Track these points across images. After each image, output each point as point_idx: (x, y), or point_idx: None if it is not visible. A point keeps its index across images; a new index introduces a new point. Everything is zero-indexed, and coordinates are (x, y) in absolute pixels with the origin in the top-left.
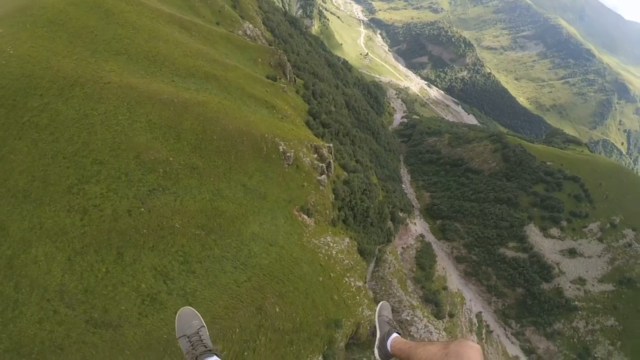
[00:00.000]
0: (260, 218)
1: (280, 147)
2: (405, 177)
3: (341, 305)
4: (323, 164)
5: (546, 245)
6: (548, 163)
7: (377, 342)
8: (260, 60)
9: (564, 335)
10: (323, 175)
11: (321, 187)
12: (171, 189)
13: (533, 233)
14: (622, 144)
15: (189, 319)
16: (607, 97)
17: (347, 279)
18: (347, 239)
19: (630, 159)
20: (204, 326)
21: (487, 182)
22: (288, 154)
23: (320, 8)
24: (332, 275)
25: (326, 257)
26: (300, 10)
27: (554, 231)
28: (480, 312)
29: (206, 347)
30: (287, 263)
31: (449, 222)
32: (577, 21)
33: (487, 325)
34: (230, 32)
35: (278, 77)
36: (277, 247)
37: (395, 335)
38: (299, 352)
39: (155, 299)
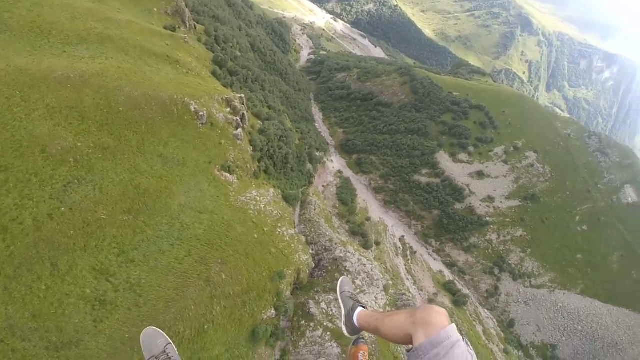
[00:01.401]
0: (184, 187)
1: (192, 107)
2: (318, 115)
3: (280, 256)
4: (237, 117)
5: (456, 169)
6: (455, 93)
7: (343, 319)
8: (155, 9)
9: (479, 248)
10: (239, 129)
11: (238, 142)
12: (87, 177)
13: (443, 159)
14: (524, 73)
15: (154, 339)
16: (511, 30)
17: (279, 230)
18: (271, 190)
19: (532, 87)
20: (170, 343)
21: (398, 114)
22: (201, 113)
23: None
24: (265, 229)
25: (256, 213)
26: None
27: (463, 156)
28: (403, 236)
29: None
30: (221, 228)
31: (364, 155)
32: None
33: (411, 247)
34: None
35: (177, 26)
36: (207, 214)
37: (360, 309)
38: (253, 311)
39: (104, 300)
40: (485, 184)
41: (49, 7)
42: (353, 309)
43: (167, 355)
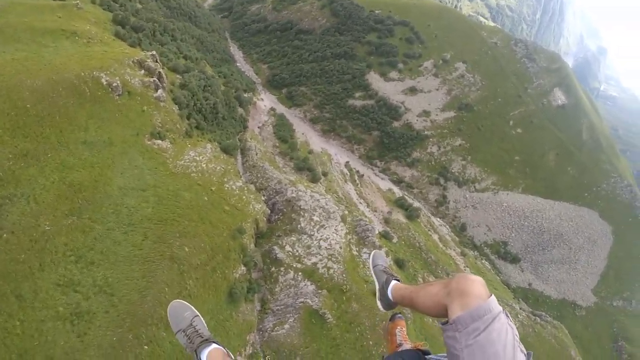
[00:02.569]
0: (118, 168)
1: (103, 81)
2: (238, 54)
3: (234, 212)
4: (154, 78)
5: (389, 88)
6: (377, 11)
7: (377, 294)
8: None
9: (422, 161)
10: (159, 91)
11: (162, 104)
12: (16, 192)
13: (375, 80)
14: None
15: (181, 312)
16: None
17: (227, 185)
18: (208, 146)
19: None
20: (197, 315)
21: (321, 40)
22: (114, 85)
23: None
24: (213, 189)
25: (199, 174)
26: None
27: (393, 74)
28: (348, 162)
29: (202, 337)
30: (169, 200)
31: (294, 88)
32: None
33: (357, 171)
34: None
35: None
36: (151, 189)
37: (394, 282)
38: (224, 273)
39: (80, 312)
40: (419, 99)
41: None
42: (387, 283)
43: (195, 328)
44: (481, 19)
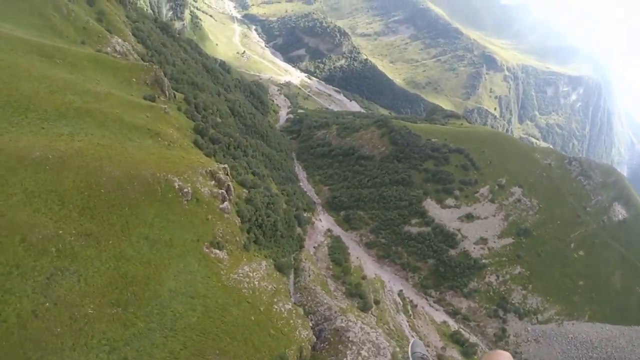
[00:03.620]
0: (173, 270)
1: (176, 184)
2: (301, 174)
3: (279, 337)
4: (222, 190)
5: (445, 215)
6: (433, 140)
7: None
8: (134, 80)
9: (480, 291)
10: (225, 202)
11: (226, 215)
12: (70, 268)
13: (431, 207)
14: (495, 109)
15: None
16: (477, 70)
17: (276, 306)
18: (263, 262)
19: (504, 120)
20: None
21: (380, 166)
22: (185, 190)
23: (192, 8)
24: (261, 309)
25: (250, 291)
26: (171, 13)
27: (450, 201)
28: (401, 290)
29: None
30: (216, 313)
31: (352, 211)
32: (444, 3)
33: (411, 301)
34: (98, 52)
35: (156, 96)
36: (200, 299)
37: None
38: None
39: None
40: (476, 226)
41: (26, 79)
42: None
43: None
44: (532, 139)
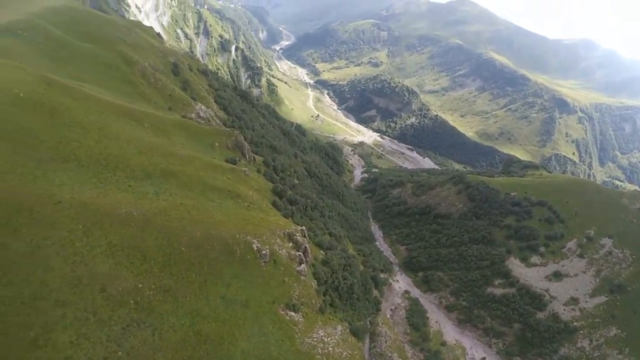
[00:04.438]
0: (246, 330)
1: (254, 246)
2: (377, 233)
3: None
4: (300, 252)
5: (531, 274)
6: (512, 194)
7: None
8: (217, 144)
9: (571, 359)
10: (302, 265)
11: (302, 277)
12: (146, 321)
13: (515, 265)
14: (573, 153)
15: None
16: (549, 114)
17: None
18: (339, 327)
19: (584, 165)
20: None
21: (459, 224)
22: (263, 252)
23: (268, 76)
24: None
25: (324, 357)
26: (249, 81)
27: (535, 259)
28: (484, 358)
29: None
30: None
31: (431, 272)
32: (507, 50)
33: None
34: (183, 118)
35: (238, 159)
36: None
37: None
38: None
39: None
40: (565, 285)
41: (116, 140)
42: None
43: None
44: (617, 182)
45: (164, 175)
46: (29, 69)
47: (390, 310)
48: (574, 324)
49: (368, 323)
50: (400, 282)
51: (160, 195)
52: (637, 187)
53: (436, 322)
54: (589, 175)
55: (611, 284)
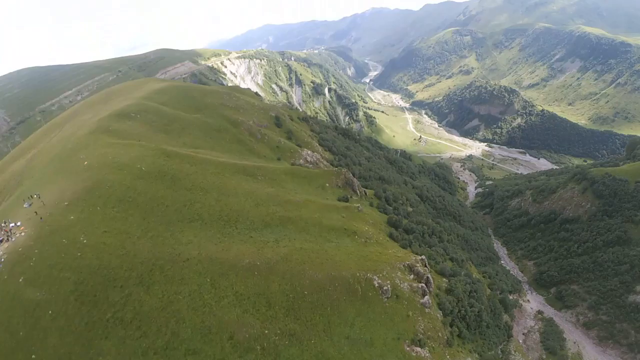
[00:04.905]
0: None
1: (375, 282)
2: (501, 250)
3: None
4: (422, 284)
5: None
6: None
7: None
8: (327, 184)
9: None
10: (426, 297)
11: (427, 310)
12: None
13: None
14: None
15: None
16: None
17: None
18: (468, 359)
19: None
20: None
21: (589, 227)
22: (385, 288)
23: (364, 109)
24: None
25: None
26: (347, 117)
27: None
28: None
29: None
30: None
31: (564, 286)
32: (597, 19)
33: None
34: (292, 165)
35: (349, 196)
36: None
37: None
38: None
39: None
40: None
41: (234, 196)
42: None
43: None
44: None
45: (282, 223)
46: (148, 145)
47: (523, 334)
48: None
49: (500, 352)
50: (532, 302)
51: (280, 242)
52: None
53: (574, 342)
54: None
55: None
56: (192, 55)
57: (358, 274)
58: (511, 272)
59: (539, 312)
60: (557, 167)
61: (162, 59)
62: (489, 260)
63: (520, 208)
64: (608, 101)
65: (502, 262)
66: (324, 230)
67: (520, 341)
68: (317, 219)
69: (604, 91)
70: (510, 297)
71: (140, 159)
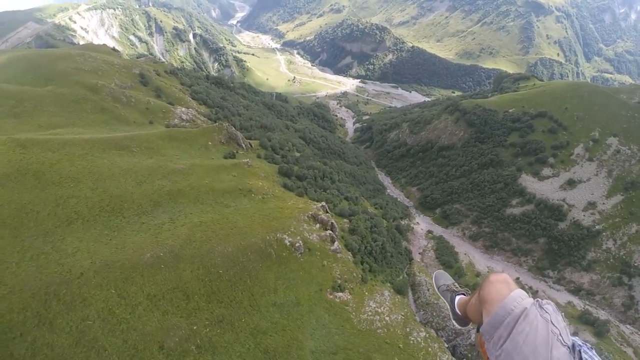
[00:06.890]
0: (307, 329)
1: (287, 241)
2: (386, 180)
3: None
4: (329, 231)
5: (545, 187)
6: (510, 110)
7: (450, 314)
8: (210, 143)
9: (600, 261)
10: (335, 243)
11: (339, 255)
12: None
13: (528, 182)
14: (558, 54)
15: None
16: (526, 20)
17: (412, 338)
18: (386, 292)
19: (571, 64)
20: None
21: (464, 153)
22: (297, 244)
23: (233, 53)
24: (400, 346)
25: (385, 329)
26: (216, 64)
27: (546, 171)
28: (518, 278)
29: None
30: None
31: (448, 206)
32: None
33: (530, 287)
34: (167, 127)
35: (235, 152)
36: (341, 352)
37: (458, 297)
38: None
39: None
40: (580, 191)
41: (110, 178)
42: (452, 301)
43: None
44: (607, 75)
45: (172, 197)
46: None
47: (419, 254)
48: (596, 227)
49: (406, 275)
50: (421, 224)
51: (176, 220)
52: (628, 78)
53: (465, 254)
54: (577, 74)
55: (624, 181)
56: (35, 14)
57: (268, 237)
58: (398, 200)
59: (429, 231)
60: (429, 99)
61: (1, 24)
62: (377, 192)
63: (398, 140)
64: (474, 38)
65: (388, 191)
66: (218, 195)
67: (418, 260)
68: (208, 185)
69: (470, 29)
70: (402, 222)
71: None
